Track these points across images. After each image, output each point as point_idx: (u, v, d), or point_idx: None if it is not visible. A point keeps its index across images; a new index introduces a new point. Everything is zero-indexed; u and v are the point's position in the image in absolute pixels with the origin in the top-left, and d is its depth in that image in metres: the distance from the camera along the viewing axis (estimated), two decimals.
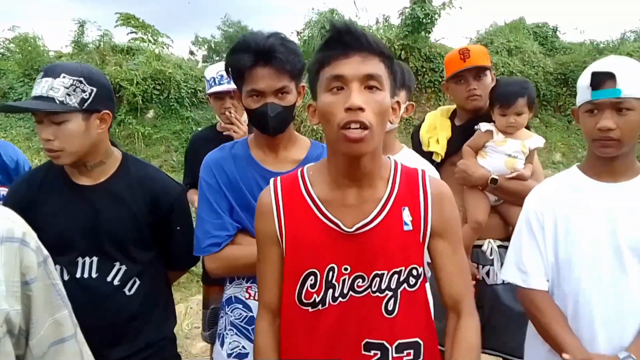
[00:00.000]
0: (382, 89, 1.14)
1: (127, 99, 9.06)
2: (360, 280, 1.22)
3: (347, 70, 1.11)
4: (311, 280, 1.23)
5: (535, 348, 1.59)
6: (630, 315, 1.43)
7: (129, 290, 1.64)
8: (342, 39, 1.14)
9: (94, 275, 1.60)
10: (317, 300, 1.24)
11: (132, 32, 10.53)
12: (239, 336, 1.65)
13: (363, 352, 1.23)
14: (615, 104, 1.40)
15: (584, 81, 1.47)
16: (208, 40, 18.14)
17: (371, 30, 10.65)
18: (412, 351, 1.24)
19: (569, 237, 1.51)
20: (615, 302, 1.44)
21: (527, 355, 1.67)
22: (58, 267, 1.49)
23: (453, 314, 1.27)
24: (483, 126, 2.25)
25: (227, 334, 1.68)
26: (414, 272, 1.24)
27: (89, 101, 1.54)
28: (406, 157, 1.92)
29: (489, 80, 2.32)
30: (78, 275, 1.59)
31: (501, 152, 2.20)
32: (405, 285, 1.23)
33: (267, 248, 1.30)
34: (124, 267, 1.62)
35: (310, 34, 10.61)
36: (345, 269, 1.22)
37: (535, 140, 2.22)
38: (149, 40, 10.43)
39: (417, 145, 2.49)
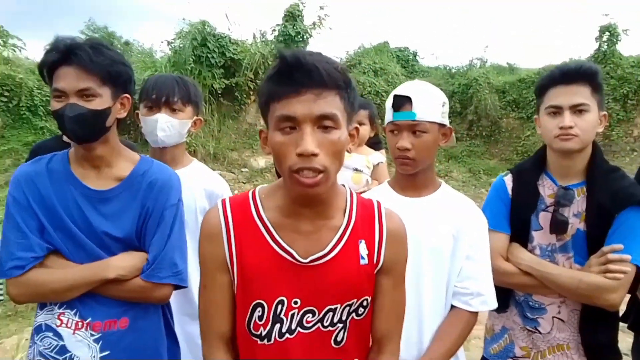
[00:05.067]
0: (337, 127, 1.05)
1: None
2: (310, 315, 1.16)
3: (298, 111, 1.01)
4: (259, 311, 1.15)
5: None
6: (427, 322, 1.55)
7: None
8: (292, 73, 1.02)
9: None
10: (264, 334, 1.16)
11: None
12: None
13: None
14: (412, 126, 1.53)
15: (388, 102, 1.60)
16: None
17: (245, 45, 10.68)
18: None
19: None
20: (414, 310, 1.54)
21: None
22: None
23: (376, 347, 1.26)
24: None
25: None
26: (364, 303, 1.20)
27: None
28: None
29: None
30: None
31: (348, 167, 2.32)
32: (354, 314, 1.20)
33: (216, 274, 1.18)
34: None
35: (181, 45, 10.33)
36: (295, 303, 1.15)
37: (377, 157, 2.39)
38: None
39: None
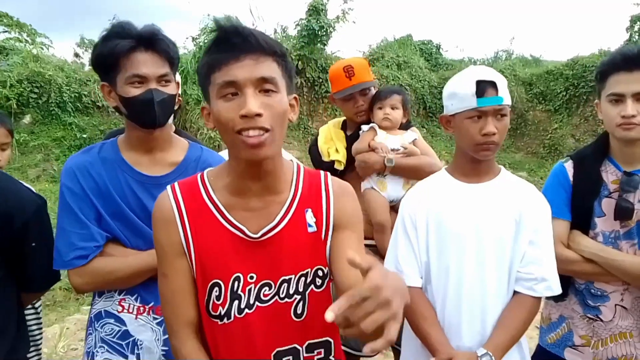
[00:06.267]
0: (277, 91, 1.08)
1: None
2: (267, 288, 1.18)
3: (239, 75, 1.04)
4: (216, 291, 1.16)
5: (410, 341, 1.66)
6: (490, 308, 1.53)
7: None
8: (230, 40, 1.05)
9: None
10: (223, 313, 1.17)
11: (5, 32, 9.60)
12: (112, 353, 1.52)
13: None
14: (497, 111, 1.51)
15: (464, 89, 1.53)
16: (95, 42, 17.10)
17: None
18: (322, 350, 1.23)
19: (439, 235, 1.59)
20: (477, 296, 1.54)
21: (404, 346, 1.73)
22: None
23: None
24: (365, 126, 2.41)
25: (97, 351, 1.54)
26: (320, 273, 1.21)
27: None
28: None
29: (372, 93, 2.46)
30: None
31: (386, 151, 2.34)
32: (312, 286, 1.21)
33: (174, 260, 1.17)
34: None
35: (206, 40, 10.38)
36: (251, 278, 1.17)
37: (411, 134, 2.42)
38: (25, 40, 9.57)
39: (316, 158, 2.56)
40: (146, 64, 1.44)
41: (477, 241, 1.54)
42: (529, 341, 1.96)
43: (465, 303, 1.54)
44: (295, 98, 1.18)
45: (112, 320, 1.54)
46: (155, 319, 1.53)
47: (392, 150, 2.32)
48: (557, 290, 1.55)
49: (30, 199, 1.53)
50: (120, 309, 1.54)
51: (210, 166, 1.58)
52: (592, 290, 1.74)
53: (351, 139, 2.46)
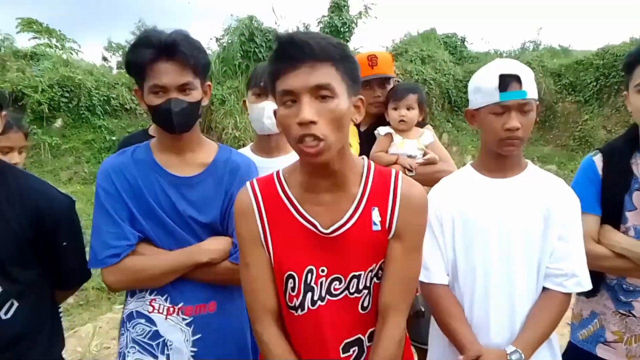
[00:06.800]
0: (334, 96, 1.11)
1: (31, 107, 8.44)
2: (337, 282, 1.23)
3: (295, 84, 1.10)
4: (291, 283, 1.23)
5: (438, 339, 1.65)
6: (519, 305, 1.52)
7: (5, 313, 1.44)
8: (287, 50, 1.12)
9: None
10: (297, 304, 1.23)
11: (35, 38, 9.88)
12: (142, 353, 1.56)
13: (342, 355, 1.25)
14: (522, 105, 1.48)
15: (488, 83, 1.51)
16: (122, 45, 17.39)
17: None
18: None
19: (465, 232, 1.58)
20: (506, 293, 1.52)
21: (431, 344, 1.73)
22: None
23: (380, 319, 1.26)
24: (381, 130, 2.40)
25: (128, 352, 1.57)
26: (383, 266, 1.27)
27: None
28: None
29: (390, 87, 2.48)
30: None
31: (403, 155, 2.32)
32: (375, 278, 1.27)
33: (254, 250, 1.26)
34: None
35: (229, 40, 10.48)
36: (322, 271, 1.23)
37: (427, 137, 2.41)
38: (55, 46, 9.83)
39: None
40: (167, 73, 1.46)
41: (504, 237, 1.52)
42: (560, 338, 1.94)
43: (493, 300, 1.52)
44: (360, 99, 1.23)
45: (143, 321, 1.58)
46: (184, 319, 1.55)
47: (409, 156, 2.33)
48: (588, 286, 1.52)
49: (60, 199, 1.57)
50: (150, 309, 1.57)
51: (238, 167, 1.64)
52: (624, 286, 1.70)
53: (365, 136, 2.47)
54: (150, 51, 1.44)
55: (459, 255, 1.58)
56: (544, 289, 1.52)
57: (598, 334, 1.78)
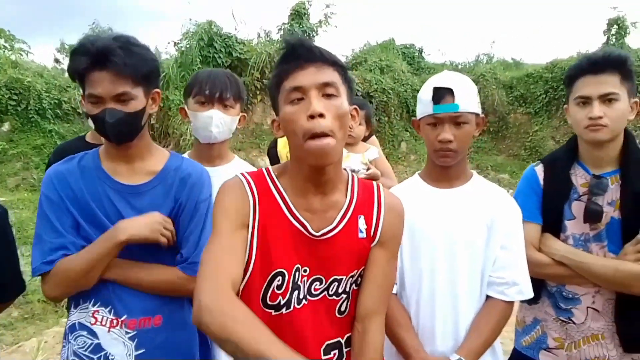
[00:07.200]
0: (338, 96, 1.17)
1: None
2: (318, 283, 1.25)
3: (304, 81, 1.15)
4: (278, 280, 1.21)
5: (385, 347, 1.66)
6: (463, 313, 1.55)
7: None
8: (296, 52, 1.18)
9: None
10: (282, 302, 1.21)
11: None
12: None
13: (323, 357, 1.25)
14: (454, 118, 1.52)
15: (425, 95, 1.57)
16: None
17: (251, 44, 10.68)
18: None
19: (413, 241, 1.60)
20: (450, 301, 1.55)
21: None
22: None
23: (359, 325, 1.28)
24: None
25: None
26: (363, 273, 1.29)
27: None
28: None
29: None
30: None
31: (347, 169, 2.36)
32: (354, 285, 1.29)
33: (236, 226, 1.18)
34: None
35: (188, 45, 10.32)
36: (305, 271, 1.24)
37: (372, 152, 2.48)
38: (3, 46, 9.44)
39: (274, 160, 2.56)
40: (102, 83, 1.41)
41: (449, 246, 1.56)
42: (509, 344, 1.99)
43: (438, 308, 1.55)
44: (355, 109, 1.28)
45: (85, 333, 1.51)
46: (127, 333, 1.50)
47: (353, 171, 2.36)
48: (529, 294, 1.57)
49: None
50: (93, 320, 1.51)
51: (190, 176, 1.60)
52: (564, 293, 1.76)
53: None
54: (85, 59, 1.40)
55: (406, 264, 1.60)
56: (487, 297, 1.56)
57: (540, 341, 1.84)
